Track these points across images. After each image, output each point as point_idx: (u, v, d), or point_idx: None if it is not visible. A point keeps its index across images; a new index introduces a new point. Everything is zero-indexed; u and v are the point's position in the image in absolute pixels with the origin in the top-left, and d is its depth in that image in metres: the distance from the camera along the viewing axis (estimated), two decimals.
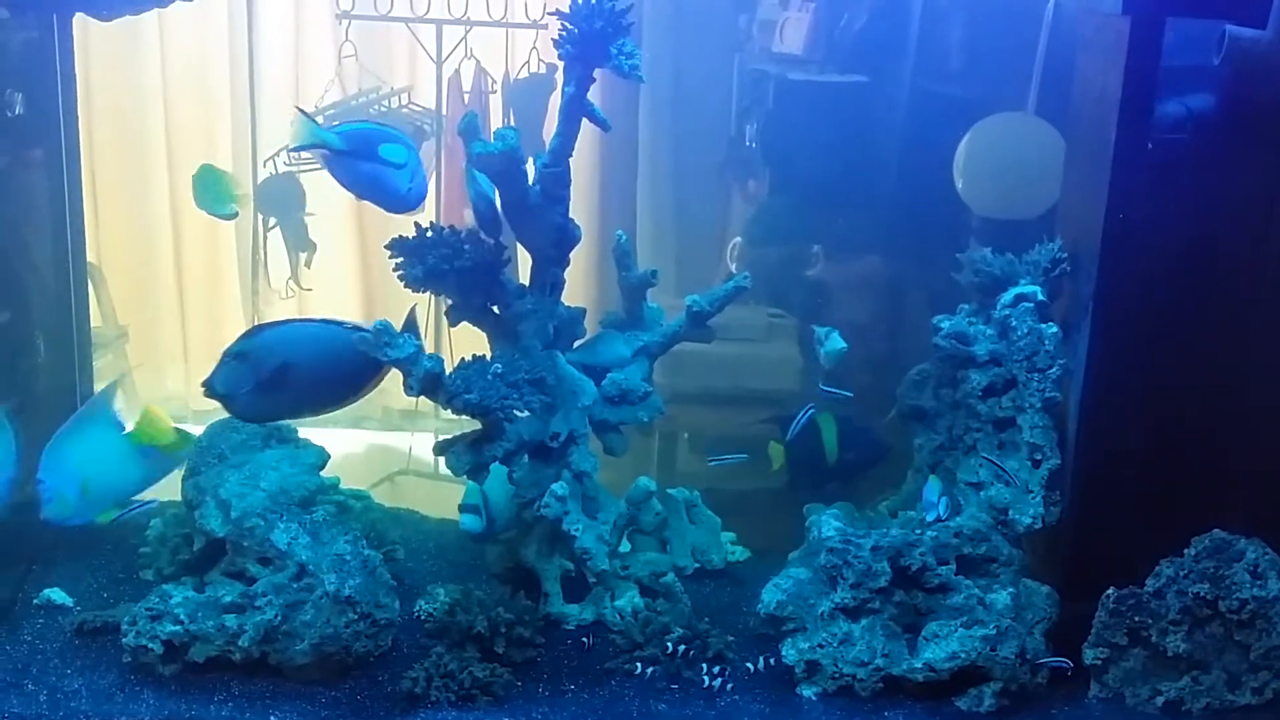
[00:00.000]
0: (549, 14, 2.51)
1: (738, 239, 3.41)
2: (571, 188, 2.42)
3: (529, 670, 2.30)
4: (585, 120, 2.37)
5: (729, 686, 2.27)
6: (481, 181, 2.42)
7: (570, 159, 2.39)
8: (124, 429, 2.36)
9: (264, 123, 3.99)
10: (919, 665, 2.23)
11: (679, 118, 3.53)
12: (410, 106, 3.73)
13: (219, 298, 4.34)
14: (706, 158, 3.52)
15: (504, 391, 2.35)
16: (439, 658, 2.23)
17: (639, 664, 2.30)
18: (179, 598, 2.25)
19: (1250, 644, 2.23)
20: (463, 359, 2.42)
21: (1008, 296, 2.50)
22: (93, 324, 3.18)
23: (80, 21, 2.76)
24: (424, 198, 2.45)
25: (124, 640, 2.22)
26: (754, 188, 3.44)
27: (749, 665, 2.32)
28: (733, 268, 3.37)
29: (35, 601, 2.47)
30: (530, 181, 2.39)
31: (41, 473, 2.25)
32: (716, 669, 2.29)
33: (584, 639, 2.38)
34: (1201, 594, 2.22)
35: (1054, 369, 2.40)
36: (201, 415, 3.88)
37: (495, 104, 3.77)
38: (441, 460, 2.42)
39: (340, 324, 2.36)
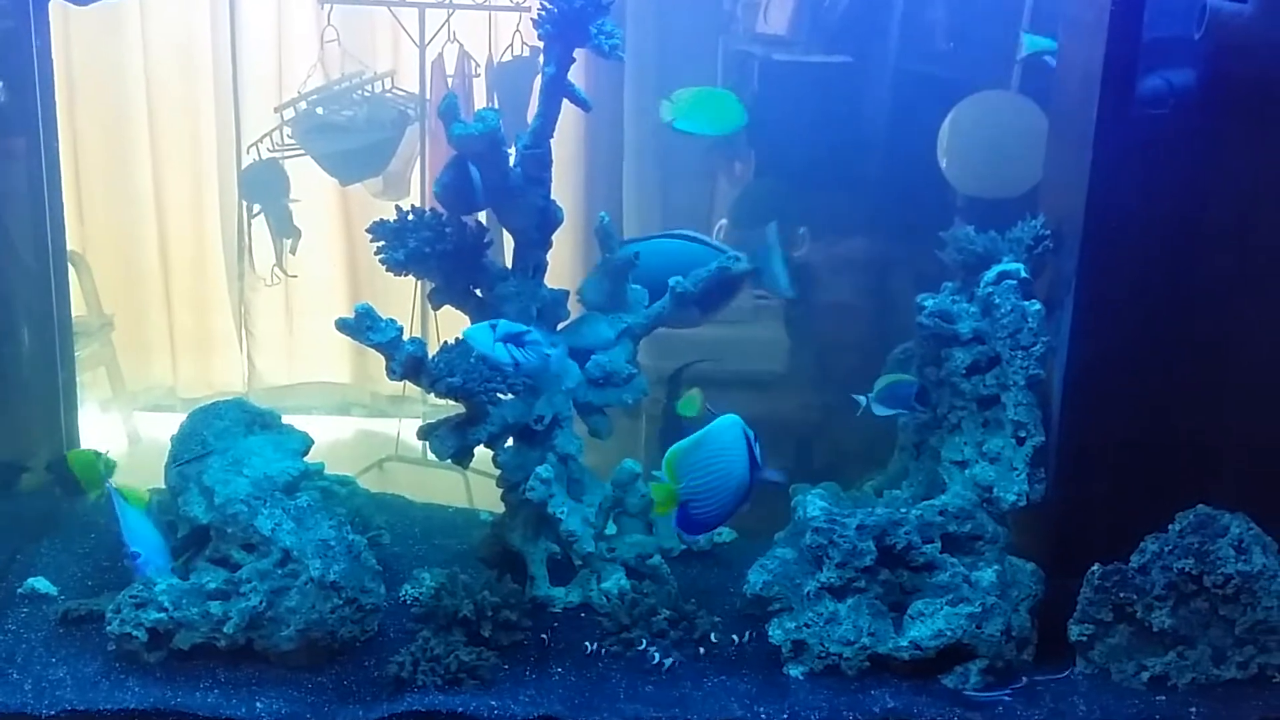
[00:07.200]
0: None
1: (723, 220, 3.40)
2: (556, 169, 2.42)
3: (515, 653, 2.30)
4: (570, 102, 2.36)
5: (668, 662, 2.28)
6: None
7: (551, 140, 2.38)
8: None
9: (247, 108, 3.97)
10: (905, 644, 2.23)
11: (664, 98, 3.52)
12: (394, 91, 3.71)
13: (204, 285, 4.33)
14: (692, 139, 3.50)
15: (487, 374, 2.35)
16: (425, 642, 2.23)
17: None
18: (163, 585, 2.24)
19: (1235, 619, 2.23)
20: (445, 342, 2.42)
21: (991, 274, 2.50)
22: (78, 313, 3.17)
23: (61, 9, 2.75)
24: None
25: (108, 628, 2.22)
26: (739, 169, 3.43)
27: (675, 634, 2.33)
28: None
29: (19, 591, 2.46)
30: (512, 164, 2.38)
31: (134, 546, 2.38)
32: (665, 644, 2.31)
33: (543, 635, 2.35)
34: (1186, 569, 2.22)
35: (1037, 346, 2.40)
36: (189, 403, 3.89)
37: (479, 88, 3.76)
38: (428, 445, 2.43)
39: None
